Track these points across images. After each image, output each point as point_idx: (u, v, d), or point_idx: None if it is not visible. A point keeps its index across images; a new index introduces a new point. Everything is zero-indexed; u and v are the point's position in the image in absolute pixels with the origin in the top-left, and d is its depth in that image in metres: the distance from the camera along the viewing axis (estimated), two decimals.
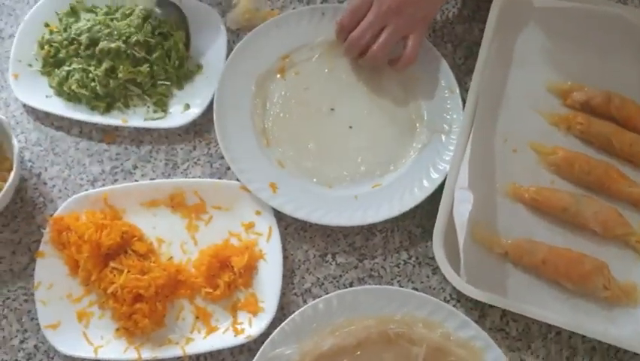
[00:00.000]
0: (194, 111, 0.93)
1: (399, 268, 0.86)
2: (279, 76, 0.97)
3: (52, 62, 0.95)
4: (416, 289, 0.84)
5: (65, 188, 0.90)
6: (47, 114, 0.93)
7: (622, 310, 0.82)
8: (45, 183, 0.90)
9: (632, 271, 0.85)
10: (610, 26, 1.00)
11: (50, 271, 0.83)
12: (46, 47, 0.95)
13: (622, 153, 0.92)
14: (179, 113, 0.93)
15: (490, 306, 0.82)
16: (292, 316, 0.78)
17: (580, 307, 0.82)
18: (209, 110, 0.93)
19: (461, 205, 0.82)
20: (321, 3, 1.02)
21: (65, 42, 0.95)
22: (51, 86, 0.94)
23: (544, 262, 0.82)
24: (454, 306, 0.82)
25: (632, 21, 0.99)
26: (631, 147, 0.92)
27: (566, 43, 1.00)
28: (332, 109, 0.95)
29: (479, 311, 0.83)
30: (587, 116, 0.94)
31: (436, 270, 0.86)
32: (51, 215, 0.85)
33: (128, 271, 0.80)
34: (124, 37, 0.93)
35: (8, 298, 0.83)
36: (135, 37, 0.93)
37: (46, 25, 0.98)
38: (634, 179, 0.90)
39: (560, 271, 0.82)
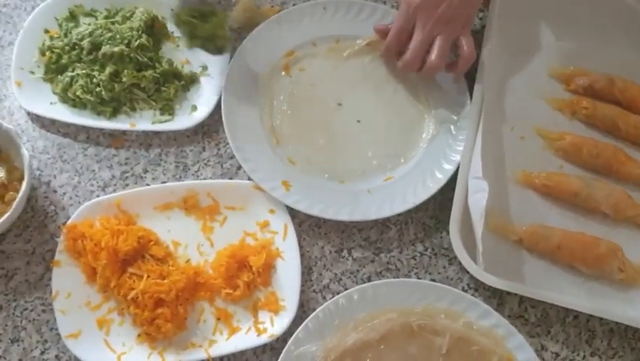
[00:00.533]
0: (202, 112, 0.92)
1: (415, 260, 0.87)
2: (284, 73, 0.97)
3: (54, 69, 0.94)
4: (434, 281, 0.85)
5: (76, 195, 0.89)
6: (53, 121, 0.92)
7: (638, 291, 0.83)
8: (55, 191, 0.89)
9: None
10: (609, 10, 1.01)
11: (67, 279, 0.82)
12: (47, 53, 0.94)
13: (628, 135, 0.93)
14: (187, 115, 0.93)
15: (508, 293, 0.83)
16: (315, 313, 0.79)
17: (596, 291, 0.83)
18: (216, 110, 0.92)
19: (476, 194, 0.82)
20: None
21: (67, 47, 0.93)
22: (55, 93, 0.93)
23: (560, 247, 0.83)
24: (472, 295, 0.82)
25: (631, 3, 1.00)
26: (636, 129, 0.93)
27: (566, 29, 1.00)
28: (339, 104, 0.95)
29: (497, 299, 0.84)
30: (591, 100, 0.95)
31: (452, 260, 0.86)
32: (64, 223, 0.84)
33: (148, 276, 0.79)
34: (126, 41, 0.92)
35: (26, 310, 0.82)
36: (138, 41, 0.92)
37: (46, 31, 0.96)
38: None
39: (576, 255, 0.83)
